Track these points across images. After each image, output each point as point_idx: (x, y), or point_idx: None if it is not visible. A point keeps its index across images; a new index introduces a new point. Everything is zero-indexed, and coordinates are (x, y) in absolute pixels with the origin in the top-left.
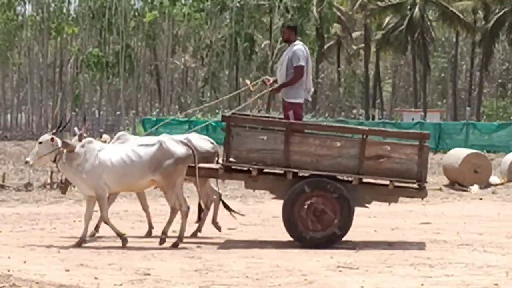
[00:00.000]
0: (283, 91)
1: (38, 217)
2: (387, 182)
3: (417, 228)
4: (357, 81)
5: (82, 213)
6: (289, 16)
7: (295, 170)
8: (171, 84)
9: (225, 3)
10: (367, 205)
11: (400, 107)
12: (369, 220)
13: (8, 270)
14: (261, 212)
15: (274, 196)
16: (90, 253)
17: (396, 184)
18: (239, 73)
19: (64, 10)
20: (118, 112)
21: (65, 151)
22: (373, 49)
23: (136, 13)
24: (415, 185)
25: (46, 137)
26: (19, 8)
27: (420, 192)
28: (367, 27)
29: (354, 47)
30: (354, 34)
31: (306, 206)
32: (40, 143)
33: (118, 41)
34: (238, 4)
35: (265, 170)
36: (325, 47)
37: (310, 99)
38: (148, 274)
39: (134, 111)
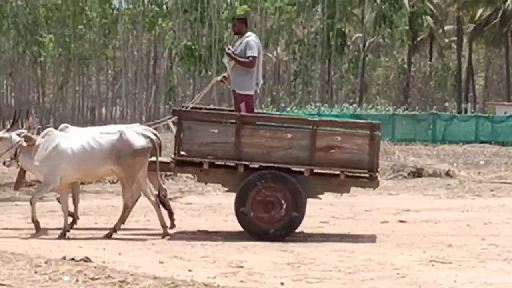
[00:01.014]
0: (234, 83)
1: (133, 209)
2: (339, 173)
3: (510, 223)
4: (449, 75)
5: (175, 206)
6: (381, 8)
7: (247, 163)
8: (263, 77)
9: None
10: (319, 196)
11: (493, 101)
12: (461, 214)
13: (103, 262)
14: (353, 205)
15: (226, 189)
16: (184, 245)
17: (348, 174)
18: (331, 67)
19: (158, 4)
20: (211, 105)
21: (25, 144)
22: (465, 42)
23: (229, 7)
24: (367, 175)
25: (2, 133)
26: (114, 2)
27: (372, 182)
28: (460, 20)
29: (446, 40)
30: (446, 27)
31: (258, 199)
32: None
33: (210, 35)
34: None
35: (217, 163)
36: (417, 40)
37: (258, 91)
38: (241, 267)
39: (226, 104)
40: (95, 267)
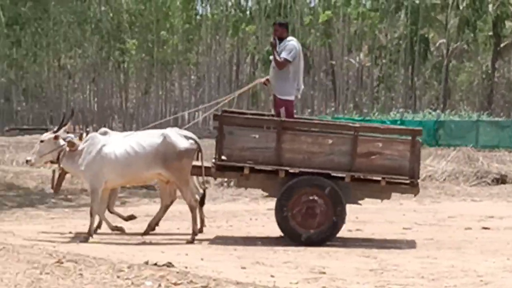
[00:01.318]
0: (275, 88)
1: (215, 214)
2: (379, 179)
3: None
4: None
5: (258, 211)
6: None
7: (287, 168)
8: (347, 83)
9: (400, 2)
10: (359, 202)
11: None
12: None
13: (186, 267)
14: (436, 212)
15: (266, 194)
16: (266, 251)
17: (389, 180)
18: (414, 73)
19: (242, 9)
20: (294, 110)
21: (67, 149)
22: None
23: (311, 12)
24: (408, 182)
25: (48, 135)
26: (198, 7)
27: (413, 188)
28: None
29: None
30: None
31: (298, 204)
32: (41, 141)
33: None
34: (413, 3)
35: (256, 168)
36: (501, 45)
37: (299, 96)
38: (323, 273)
39: (309, 110)
40: (177, 272)
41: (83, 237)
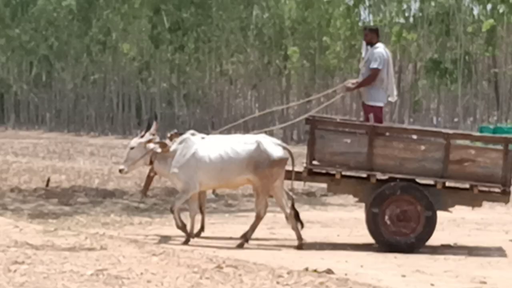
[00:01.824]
0: (364, 94)
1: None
2: (471, 187)
3: None
4: None
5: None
6: None
7: (379, 173)
8: (509, 92)
9: None
10: (449, 209)
11: None
12: None
13: (346, 274)
14: None
15: (356, 199)
16: (427, 259)
17: (481, 189)
18: None
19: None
20: (455, 119)
21: (159, 150)
22: None
23: (475, 20)
24: (499, 190)
25: (137, 141)
26: (361, 14)
27: (504, 196)
28: None
29: None
30: None
31: (389, 210)
32: (131, 148)
33: (456, 48)
34: None
35: (345, 173)
36: None
37: (392, 100)
38: (484, 283)
39: (471, 118)
40: (337, 279)
41: (184, 240)
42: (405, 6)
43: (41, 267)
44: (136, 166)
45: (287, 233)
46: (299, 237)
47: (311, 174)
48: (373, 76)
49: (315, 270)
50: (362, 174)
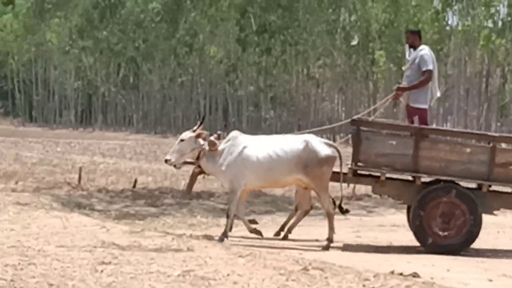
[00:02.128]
0: (408, 96)
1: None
2: None
3: None
4: None
5: (505, 224)
6: None
7: (425, 176)
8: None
9: None
10: (495, 212)
11: None
12: None
13: (432, 278)
14: None
15: (400, 201)
16: None
17: None
18: None
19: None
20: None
21: (207, 148)
22: None
23: None
24: None
25: (188, 134)
26: (448, 18)
27: None
28: None
29: None
30: None
31: (435, 212)
32: (182, 140)
33: None
34: None
35: (389, 175)
36: None
37: (435, 98)
38: None
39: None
40: (423, 283)
41: (220, 237)
42: (493, 10)
43: (128, 267)
44: (183, 158)
45: (373, 235)
46: (330, 239)
47: (356, 176)
48: (428, 78)
49: (401, 274)
50: (407, 176)
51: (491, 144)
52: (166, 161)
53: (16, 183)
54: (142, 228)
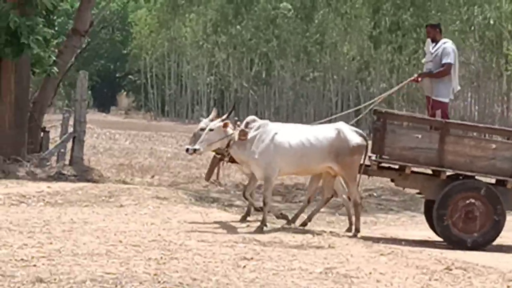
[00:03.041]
0: (431, 89)
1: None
2: None
3: None
4: None
5: None
6: None
7: (450, 170)
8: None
9: None
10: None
11: None
12: None
13: None
14: None
15: (422, 195)
16: None
17: None
18: None
19: None
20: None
21: (236, 137)
22: None
23: None
24: None
25: (217, 124)
26: None
27: None
28: None
29: None
30: None
31: (458, 207)
32: (211, 130)
33: None
34: None
35: (414, 169)
36: None
37: (452, 98)
38: None
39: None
40: None
41: (259, 228)
42: None
43: (270, 263)
44: (212, 148)
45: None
46: (356, 228)
47: (379, 168)
48: (447, 70)
49: None
50: (431, 169)
51: None
52: (194, 151)
53: (152, 177)
54: (281, 224)
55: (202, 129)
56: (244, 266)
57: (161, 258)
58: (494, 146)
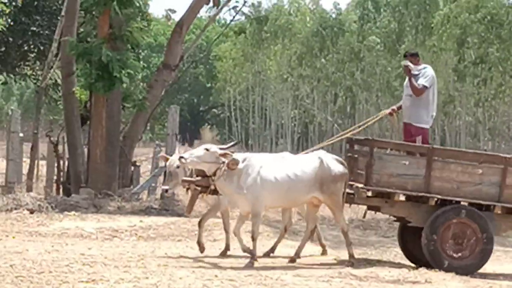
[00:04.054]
0: (410, 116)
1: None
2: None
3: None
4: None
5: None
6: None
7: (438, 196)
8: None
9: None
10: (502, 233)
11: None
12: None
13: None
14: None
15: (409, 223)
16: None
17: None
18: None
19: None
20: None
21: (225, 168)
22: None
23: None
24: None
25: (214, 147)
26: None
27: None
28: None
29: None
30: None
31: (447, 233)
32: (206, 149)
33: None
34: None
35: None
36: None
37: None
38: None
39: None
40: None
41: (249, 263)
42: None
43: None
44: (198, 166)
45: None
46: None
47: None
48: (420, 92)
49: None
50: (419, 196)
51: (502, 166)
52: (180, 158)
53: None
54: (377, 258)
55: (178, 167)
56: None
57: None
58: (480, 171)
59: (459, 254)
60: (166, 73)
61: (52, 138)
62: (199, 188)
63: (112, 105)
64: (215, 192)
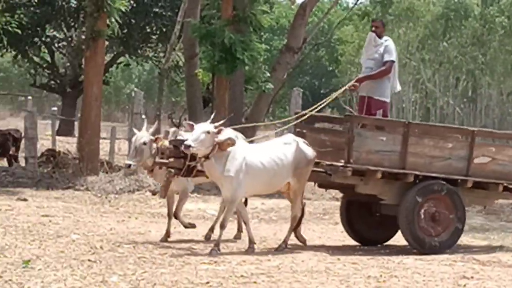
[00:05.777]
0: (370, 89)
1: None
2: (498, 184)
3: None
4: None
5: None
6: None
7: (413, 172)
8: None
9: None
10: (466, 208)
11: None
12: None
13: None
14: None
15: (383, 200)
16: None
17: (506, 186)
18: None
19: None
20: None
21: (217, 149)
22: None
23: None
24: None
25: (211, 127)
26: None
27: None
28: None
29: None
30: None
31: (422, 210)
32: (208, 132)
33: None
34: None
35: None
36: None
37: (395, 92)
38: None
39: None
40: None
41: (213, 250)
42: None
43: (490, 283)
44: (201, 152)
45: None
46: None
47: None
48: (389, 68)
49: None
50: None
51: (469, 139)
52: (188, 147)
53: None
54: (500, 243)
55: (145, 143)
56: (465, 285)
57: (381, 276)
58: (450, 145)
59: (434, 231)
60: (289, 55)
61: (174, 120)
62: (173, 171)
63: (234, 88)
64: (188, 174)
